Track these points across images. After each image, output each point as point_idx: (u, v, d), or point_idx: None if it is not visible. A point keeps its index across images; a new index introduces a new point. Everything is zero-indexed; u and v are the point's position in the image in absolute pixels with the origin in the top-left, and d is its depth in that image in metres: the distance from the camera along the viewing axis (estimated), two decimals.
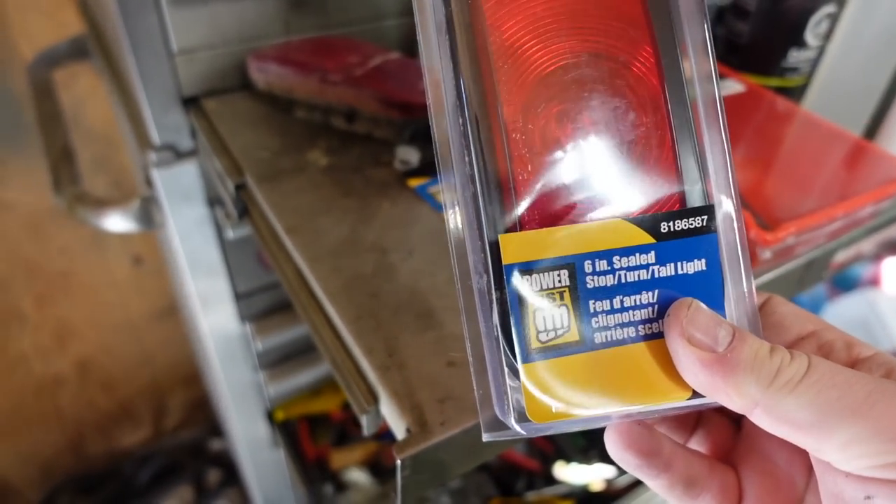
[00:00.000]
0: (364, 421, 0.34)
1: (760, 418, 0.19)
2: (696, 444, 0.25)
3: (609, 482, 0.81)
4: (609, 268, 0.20)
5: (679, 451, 0.23)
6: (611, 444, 0.22)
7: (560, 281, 0.20)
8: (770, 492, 0.23)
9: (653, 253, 0.20)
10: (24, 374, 1.21)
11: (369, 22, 0.61)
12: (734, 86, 0.51)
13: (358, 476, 0.81)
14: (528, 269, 0.20)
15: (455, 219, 0.21)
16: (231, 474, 1.37)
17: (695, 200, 0.21)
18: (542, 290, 0.20)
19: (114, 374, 1.32)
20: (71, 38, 0.88)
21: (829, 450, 0.18)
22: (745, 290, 0.22)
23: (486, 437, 0.21)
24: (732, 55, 0.57)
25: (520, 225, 0.20)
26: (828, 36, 0.54)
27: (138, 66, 0.52)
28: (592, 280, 0.20)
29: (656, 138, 0.21)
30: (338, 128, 0.53)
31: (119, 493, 1.33)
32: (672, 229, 0.21)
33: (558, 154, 0.21)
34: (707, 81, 0.22)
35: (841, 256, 0.48)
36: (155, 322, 1.31)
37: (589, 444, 0.83)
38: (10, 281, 1.09)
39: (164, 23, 0.52)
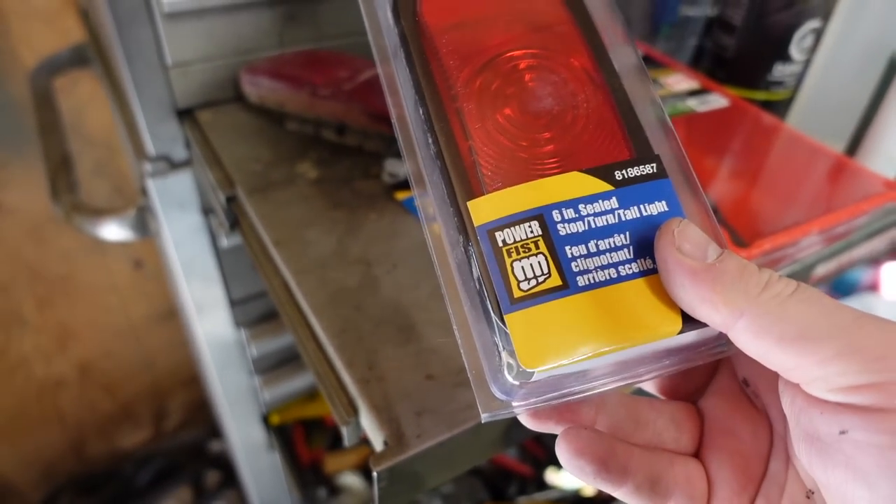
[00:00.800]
0: (345, 432, 0.35)
1: (742, 333, 0.19)
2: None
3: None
4: (577, 215, 0.22)
5: (634, 451, 0.22)
6: (562, 452, 0.21)
7: (532, 231, 0.21)
8: (740, 470, 0.22)
9: (614, 198, 0.22)
10: (25, 377, 1.22)
11: (361, 35, 0.62)
12: (718, 100, 0.52)
13: (351, 480, 0.82)
14: (499, 225, 0.21)
15: (426, 201, 0.23)
16: (230, 476, 1.38)
17: (642, 152, 0.23)
18: (515, 241, 0.21)
19: (114, 376, 1.34)
20: (72, 45, 0.89)
21: (809, 365, 0.18)
22: (709, 221, 0.23)
23: (484, 418, 0.21)
24: (719, 68, 0.58)
25: (485, 189, 0.22)
26: (812, 50, 0.55)
27: (133, 78, 0.53)
28: (563, 227, 0.21)
29: (596, 104, 0.24)
30: (329, 140, 0.54)
31: (119, 494, 1.34)
32: (626, 176, 0.22)
33: (510, 127, 0.23)
34: (629, 56, 0.26)
35: (822, 270, 0.49)
36: (155, 325, 1.32)
37: None
38: (11, 284, 1.11)
39: (159, 36, 0.53)
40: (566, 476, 0.82)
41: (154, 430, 1.48)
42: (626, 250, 0.21)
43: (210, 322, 0.71)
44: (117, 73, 0.62)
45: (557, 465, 0.84)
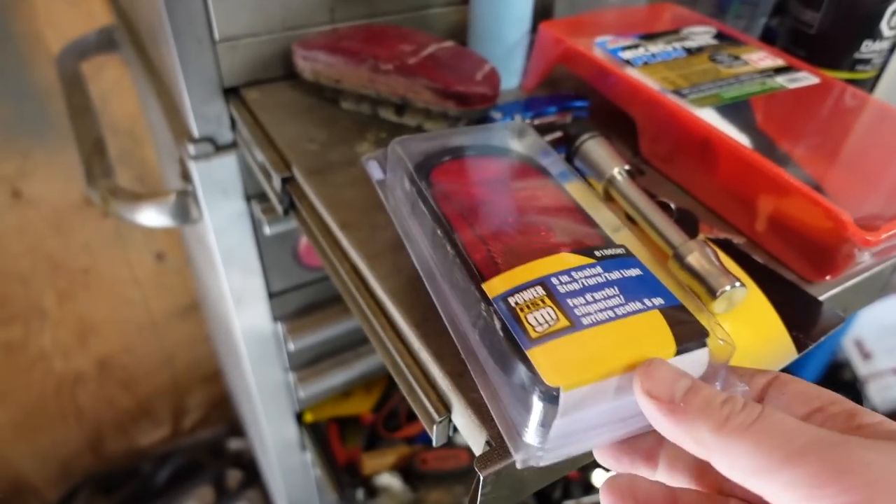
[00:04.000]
0: (434, 432, 0.31)
1: (717, 463, 0.21)
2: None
3: None
4: (572, 279, 0.27)
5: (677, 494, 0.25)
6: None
7: (538, 293, 0.27)
8: None
9: (599, 267, 0.28)
10: (44, 372, 1.19)
11: (415, 10, 0.59)
12: (808, 78, 0.48)
13: (390, 481, 0.79)
14: (510, 293, 0.27)
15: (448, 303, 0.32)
16: (251, 475, 1.35)
17: (611, 243, 0.31)
18: (526, 301, 0.27)
19: (134, 372, 1.31)
20: (98, 28, 0.86)
21: (774, 492, 0.19)
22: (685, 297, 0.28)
23: (520, 464, 0.25)
24: (798, 46, 0.54)
25: (495, 272, 0.29)
26: None
27: (179, 55, 0.50)
28: (563, 287, 0.27)
29: (573, 219, 0.34)
30: (387, 120, 0.51)
31: (138, 492, 1.31)
32: (604, 254, 0.29)
33: (511, 234, 0.32)
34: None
35: None
36: (176, 320, 1.29)
37: None
38: (32, 276, 1.08)
39: (208, 8, 0.49)
40: None
41: (173, 428, 1.45)
42: (617, 297, 0.27)
43: (248, 315, 0.68)
44: (158, 51, 0.58)
45: (604, 467, 0.80)
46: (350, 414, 0.83)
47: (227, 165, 0.57)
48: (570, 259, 0.28)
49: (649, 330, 0.26)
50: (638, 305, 0.26)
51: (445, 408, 0.32)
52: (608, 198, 0.43)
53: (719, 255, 0.36)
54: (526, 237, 0.31)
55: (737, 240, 0.41)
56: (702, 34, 0.53)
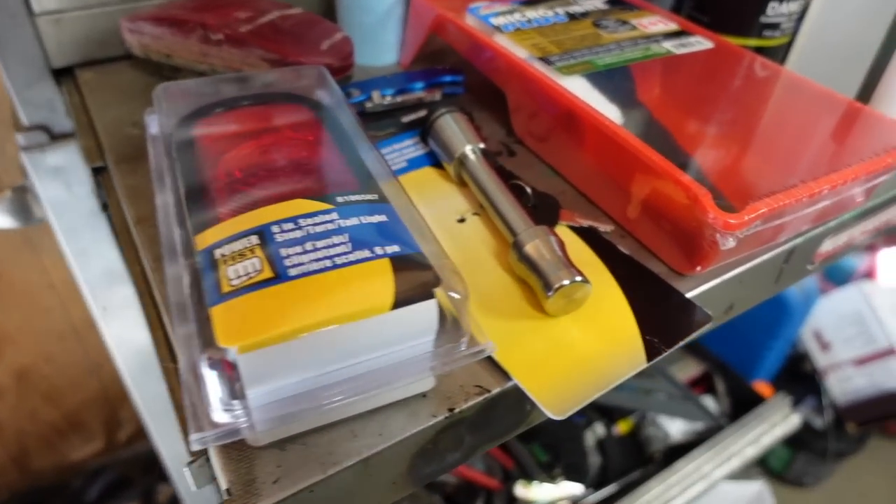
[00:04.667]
0: (189, 475, 0.25)
1: None
2: None
3: (576, 501, 0.72)
4: (297, 226, 0.24)
5: None
6: None
7: (251, 242, 0.23)
8: None
9: (335, 213, 0.25)
10: None
11: None
12: (701, 42, 0.42)
13: None
14: (219, 245, 0.24)
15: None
16: None
17: (366, 189, 0.27)
18: (233, 252, 0.23)
19: (57, 383, 1.23)
20: None
21: None
22: (422, 233, 0.25)
23: (194, 441, 0.21)
24: (702, 12, 0.49)
25: (218, 220, 0.25)
26: None
27: None
28: (282, 235, 0.24)
29: (326, 161, 0.30)
30: None
31: None
32: (349, 200, 0.26)
33: (246, 179, 0.27)
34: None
35: (830, 245, 0.39)
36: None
37: (553, 460, 0.75)
38: None
39: None
40: (538, 489, 0.73)
41: (106, 441, 1.38)
42: (344, 245, 0.24)
43: (119, 325, 0.61)
44: None
45: (527, 477, 0.74)
46: None
47: (67, 156, 0.50)
48: (304, 205, 0.25)
49: (370, 281, 0.23)
50: (366, 254, 0.23)
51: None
52: (462, 182, 0.37)
53: (565, 247, 0.30)
54: (264, 185, 0.27)
55: (604, 228, 0.35)
56: (594, 0, 0.47)
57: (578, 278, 0.28)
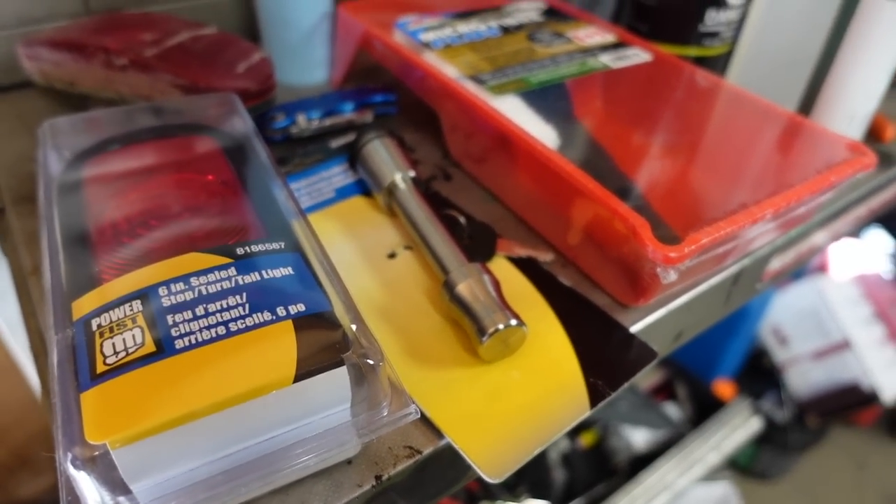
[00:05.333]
0: None
1: None
2: None
3: None
4: (187, 286, 0.21)
5: None
6: None
7: (133, 310, 0.21)
8: None
9: (233, 268, 0.22)
10: None
11: None
12: (639, 55, 0.41)
13: None
14: (98, 313, 0.21)
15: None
16: None
17: (273, 234, 0.25)
18: (111, 322, 0.20)
19: (2, 422, 1.16)
20: None
21: None
22: (333, 287, 0.23)
23: None
24: (641, 21, 0.47)
25: (98, 281, 0.22)
26: None
27: None
28: (169, 299, 0.21)
29: (226, 204, 0.26)
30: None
31: None
32: (249, 251, 0.23)
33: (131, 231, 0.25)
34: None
35: (778, 264, 0.38)
36: (42, 359, 1.15)
37: (517, 480, 0.73)
38: None
39: None
40: None
41: (56, 474, 1.31)
42: (240, 308, 0.21)
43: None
44: None
45: (491, 497, 0.72)
46: None
47: None
48: (198, 261, 0.23)
49: (270, 351, 0.20)
50: (265, 316, 0.21)
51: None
52: (392, 213, 0.35)
53: (500, 285, 0.28)
54: (158, 236, 0.24)
55: (544, 257, 0.33)
56: (528, 11, 0.46)
57: (514, 322, 0.26)
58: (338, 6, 0.45)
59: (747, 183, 0.32)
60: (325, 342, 0.20)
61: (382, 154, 0.35)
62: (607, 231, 0.29)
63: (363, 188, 0.37)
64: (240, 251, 0.23)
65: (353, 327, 0.21)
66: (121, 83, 0.38)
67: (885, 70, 0.37)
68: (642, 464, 0.76)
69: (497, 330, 0.26)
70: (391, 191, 0.34)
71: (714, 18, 0.45)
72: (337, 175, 0.38)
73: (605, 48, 0.41)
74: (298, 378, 0.19)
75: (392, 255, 0.33)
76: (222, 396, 0.19)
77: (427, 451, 0.24)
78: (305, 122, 0.40)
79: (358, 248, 0.33)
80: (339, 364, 0.20)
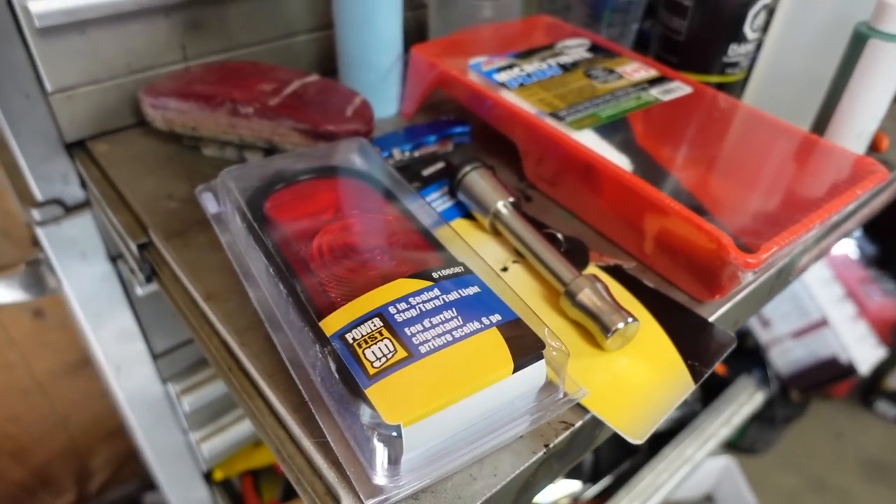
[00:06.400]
0: None
1: None
2: None
3: (576, 498, 0.78)
4: (409, 305, 0.28)
5: None
6: None
7: (376, 325, 0.27)
8: None
9: (436, 289, 0.29)
10: None
11: (278, 40, 0.55)
12: (681, 88, 0.48)
13: None
14: (348, 329, 0.27)
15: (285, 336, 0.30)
16: None
17: (449, 261, 0.31)
18: (364, 335, 0.26)
19: (23, 441, 1.18)
20: None
21: None
22: (523, 309, 0.29)
23: None
24: (670, 53, 0.55)
25: (332, 310, 0.28)
26: (765, 28, 0.52)
27: (4, 112, 0.44)
28: (401, 315, 0.27)
29: (406, 238, 0.33)
30: None
31: None
32: (442, 275, 0.30)
33: (345, 263, 0.31)
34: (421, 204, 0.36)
35: (806, 259, 0.46)
36: (65, 379, 1.18)
37: None
38: None
39: (33, 58, 0.43)
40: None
41: (78, 494, 1.33)
42: (455, 319, 0.27)
43: (132, 381, 0.62)
44: None
45: None
46: (263, 465, 0.78)
47: (82, 226, 0.51)
48: (407, 285, 0.28)
49: (488, 349, 0.26)
50: (476, 325, 0.27)
51: (334, 499, 0.29)
52: (495, 232, 0.41)
53: (610, 290, 0.35)
54: (363, 266, 0.31)
55: (627, 265, 0.40)
56: (576, 47, 0.52)
57: (630, 320, 0.33)
58: (411, 48, 0.51)
59: (791, 200, 0.39)
60: (526, 341, 0.27)
61: (482, 184, 0.41)
62: (683, 241, 0.36)
63: (461, 210, 0.43)
64: (435, 275, 0.29)
65: (545, 330, 0.27)
66: (244, 128, 0.44)
67: (887, 96, 0.45)
68: (661, 441, 0.84)
69: (618, 329, 0.33)
70: (496, 215, 0.40)
71: (735, 50, 0.52)
72: (436, 201, 0.44)
73: (652, 82, 0.48)
74: (516, 370, 0.26)
75: (505, 269, 0.39)
76: (468, 386, 0.25)
77: (578, 423, 0.31)
78: (400, 154, 0.47)
79: (474, 263, 0.39)
80: (540, 357, 0.26)
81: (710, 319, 0.37)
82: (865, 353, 1.37)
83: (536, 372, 0.27)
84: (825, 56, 0.48)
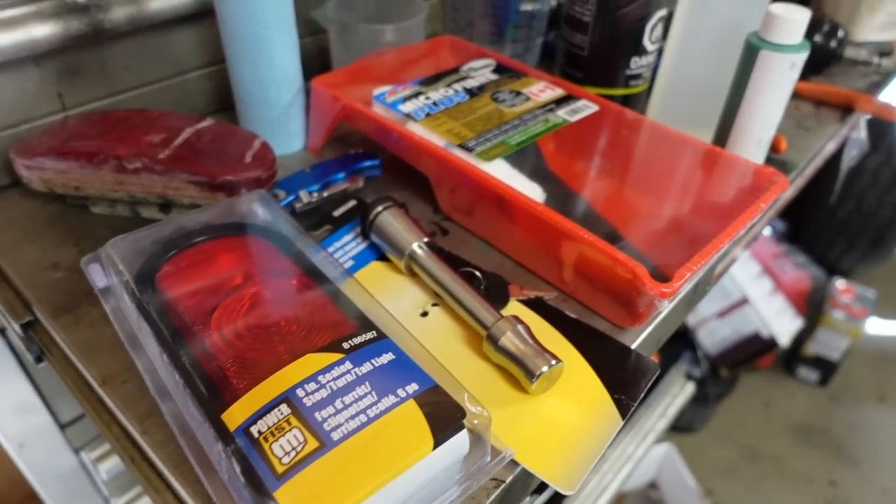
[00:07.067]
0: None
1: None
2: None
3: None
4: (319, 385, 0.26)
5: None
6: None
7: (282, 413, 0.25)
8: None
9: (348, 362, 0.27)
10: None
11: (168, 79, 0.51)
12: (588, 107, 0.48)
13: None
14: (252, 421, 0.25)
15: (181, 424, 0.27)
16: None
17: (362, 326, 0.29)
18: (269, 427, 0.24)
19: None
20: None
21: None
22: (441, 373, 0.28)
23: None
24: (575, 68, 0.55)
25: (234, 399, 0.26)
26: (664, 38, 0.53)
27: None
28: (310, 398, 0.25)
29: (314, 305, 0.31)
30: (153, 220, 0.44)
31: None
32: (354, 344, 0.28)
33: (246, 340, 0.29)
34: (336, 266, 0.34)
35: (721, 267, 0.47)
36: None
37: None
38: None
39: None
40: None
41: None
42: (369, 396, 0.26)
43: (38, 455, 0.57)
44: None
45: None
46: None
47: None
48: (316, 360, 0.27)
49: (406, 426, 0.25)
50: (392, 399, 0.26)
51: None
52: (412, 274, 0.40)
53: (532, 331, 0.34)
54: (268, 343, 0.28)
55: (548, 296, 0.39)
56: (481, 69, 0.52)
57: (554, 362, 0.32)
58: (312, 81, 0.49)
59: (697, 213, 0.40)
60: (446, 411, 0.25)
61: (395, 225, 0.40)
62: (602, 271, 0.36)
63: (376, 252, 0.42)
64: (346, 345, 0.27)
65: (465, 395, 0.26)
66: (132, 184, 0.40)
67: (781, 103, 0.46)
68: None
69: (542, 372, 0.32)
70: (412, 256, 0.39)
71: (637, 63, 0.53)
72: (349, 243, 0.42)
73: (559, 102, 0.48)
74: (436, 445, 0.24)
75: (425, 314, 0.38)
76: (388, 472, 0.23)
77: (508, 479, 0.30)
78: (307, 197, 0.44)
79: (394, 310, 0.37)
80: (461, 427, 0.25)
81: (634, 345, 0.37)
82: (784, 326, 1.44)
83: (459, 443, 0.25)
84: (722, 64, 0.49)
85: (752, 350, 1.41)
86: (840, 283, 1.56)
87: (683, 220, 0.41)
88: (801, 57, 0.44)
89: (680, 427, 1.49)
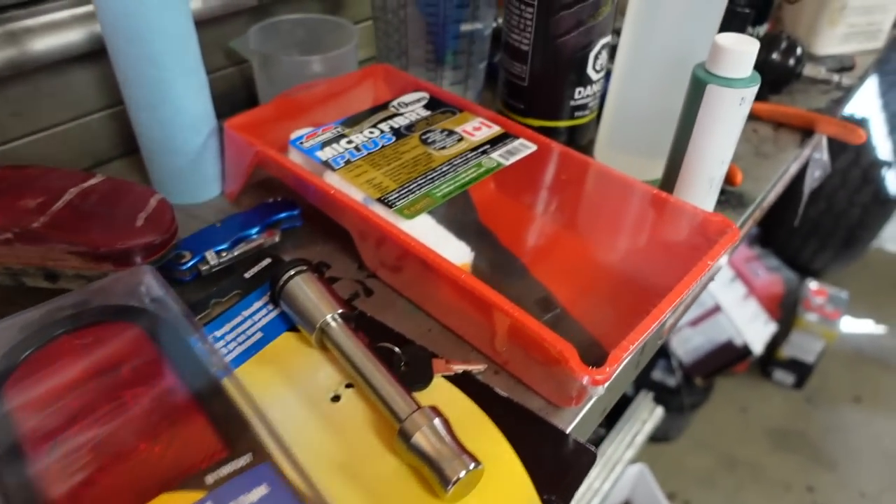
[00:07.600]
0: None
1: None
2: None
3: None
4: None
5: None
6: None
7: None
8: None
9: (210, 502, 0.23)
10: None
11: (66, 123, 0.46)
12: (525, 147, 0.44)
13: None
14: None
15: None
16: None
17: (238, 446, 0.25)
18: None
19: None
20: None
21: None
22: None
23: None
24: (516, 99, 0.51)
25: None
26: (608, 66, 0.49)
27: None
28: None
29: (190, 420, 0.26)
30: (41, 288, 0.39)
31: None
32: (220, 476, 0.24)
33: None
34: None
35: (672, 320, 0.43)
36: None
37: None
38: None
39: None
40: None
41: None
42: None
43: None
44: None
45: None
46: None
47: None
48: (172, 501, 0.23)
49: None
50: None
51: None
52: (324, 348, 0.36)
53: (451, 426, 0.30)
54: (115, 480, 0.24)
55: (476, 368, 0.35)
56: (413, 104, 0.47)
57: (472, 465, 0.28)
58: (224, 123, 0.44)
59: (644, 272, 0.36)
60: None
61: (307, 292, 0.36)
62: (537, 349, 0.32)
63: (287, 322, 0.37)
64: (209, 480, 0.23)
65: None
66: (7, 256, 0.36)
67: (731, 140, 0.42)
68: None
69: (459, 478, 0.28)
70: (323, 330, 0.35)
71: (582, 93, 0.49)
72: (259, 311, 0.38)
73: (494, 142, 0.44)
74: None
75: (336, 398, 0.34)
76: None
77: None
78: (214, 257, 0.40)
79: (300, 395, 0.33)
80: None
81: (571, 426, 0.33)
82: (758, 332, 1.42)
83: None
84: (671, 94, 0.45)
85: (726, 358, 1.39)
86: (813, 285, 1.54)
87: (627, 279, 0.37)
88: (752, 91, 0.40)
89: (656, 437, 1.46)
